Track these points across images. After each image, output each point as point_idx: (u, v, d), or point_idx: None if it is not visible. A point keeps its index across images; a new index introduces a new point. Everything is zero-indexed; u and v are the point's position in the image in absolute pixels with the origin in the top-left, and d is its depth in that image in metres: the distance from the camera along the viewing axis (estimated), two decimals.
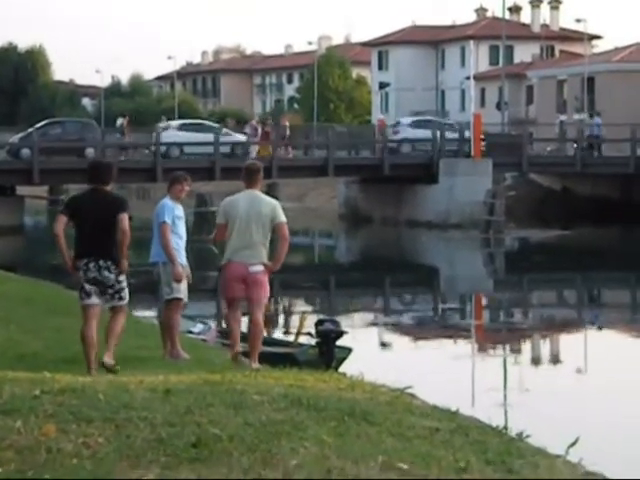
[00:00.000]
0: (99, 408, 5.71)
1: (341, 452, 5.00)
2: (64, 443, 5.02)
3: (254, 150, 41.91)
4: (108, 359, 8.66)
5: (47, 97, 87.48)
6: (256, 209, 9.47)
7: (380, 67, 77.77)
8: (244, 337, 10.03)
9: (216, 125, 45.17)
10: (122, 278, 8.66)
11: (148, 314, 15.95)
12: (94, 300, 8.59)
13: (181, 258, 9.90)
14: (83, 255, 8.52)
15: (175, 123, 45.43)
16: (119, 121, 47.63)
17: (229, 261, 9.48)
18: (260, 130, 43.11)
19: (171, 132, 41.63)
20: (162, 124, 46.00)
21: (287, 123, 45.88)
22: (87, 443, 5.03)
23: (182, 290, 9.92)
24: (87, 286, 8.56)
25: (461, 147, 40.93)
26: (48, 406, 5.75)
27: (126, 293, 8.74)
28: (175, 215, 9.91)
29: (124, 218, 8.43)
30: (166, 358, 9.88)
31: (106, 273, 8.54)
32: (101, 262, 8.52)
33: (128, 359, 9.33)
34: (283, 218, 9.47)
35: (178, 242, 9.91)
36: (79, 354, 8.94)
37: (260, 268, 9.47)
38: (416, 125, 43.38)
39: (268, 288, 9.66)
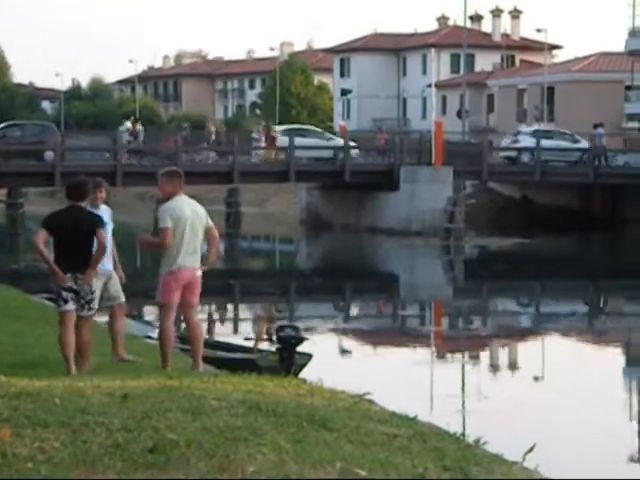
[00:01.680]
0: (55, 412, 5.65)
1: (299, 458, 4.99)
2: (19, 447, 4.97)
3: (259, 155, 42.82)
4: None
5: (6, 100, 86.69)
6: (197, 214, 9.58)
7: (342, 74, 77.97)
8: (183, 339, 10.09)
9: (319, 130, 46.27)
10: (95, 289, 9.29)
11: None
12: (71, 306, 9.14)
13: (105, 265, 9.92)
14: (62, 268, 9.09)
15: (279, 128, 46.12)
16: (127, 124, 46.77)
17: (179, 268, 9.45)
18: (266, 135, 43.70)
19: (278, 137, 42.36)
20: (123, 127, 45.83)
21: (213, 128, 46.27)
22: (43, 448, 4.98)
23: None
24: (64, 293, 9.11)
25: (421, 154, 41.14)
26: (3, 410, 5.69)
27: (95, 304, 9.34)
28: None
29: (100, 233, 9.10)
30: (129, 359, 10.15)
31: (79, 283, 9.12)
32: (78, 274, 9.09)
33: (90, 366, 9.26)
34: (211, 222, 9.74)
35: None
36: (36, 358, 8.87)
37: (200, 271, 9.59)
38: (537, 135, 43.10)
39: None
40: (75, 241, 9.05)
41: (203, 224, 9.57)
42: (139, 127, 45.73)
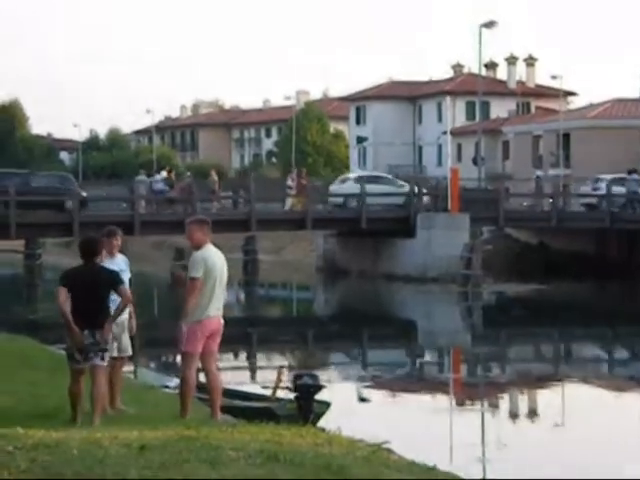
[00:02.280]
0: (72, 464, 5.63)
1: None
2: None
3: (289, 202, 43.13)
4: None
5: (24, 151, 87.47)
6: (224, 264, 9.68)
7: (358, 122, 78.34)
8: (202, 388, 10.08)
9: (390, 177, 46.84)
10: (108, 339, 9.37)
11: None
12: (83, 365, 9.31)
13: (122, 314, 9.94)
14: (79, 324, 9.20)
15: (352, 176, 46.67)
16: (162, 173, 47.08)
17: (208, 317, 9.45)
18: (296, 182, 43.85)
19: (350, 184, 42.69)
20: (159, 176, 46.03)
21: (216, 178, 46.03)
22: None
23: (110, 347, 9.89)
24: (77, 355, 9.26)
25: (437, 201, 41.18)
26: (21, 462, 5.67)
27: (107, 355, 9.37)
28: None
29: (121, 289, 9.32)
30: (107, 412, 9.91)
31: (97, 337, 9.28)
32: (96, 331, 9.23)
33: (105, 416, 9.26)
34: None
35: (114, 298, 9.96)
36: (53, 409, 8.86)
37: (223, 320, 9.67)
38: (616, 182, 42.99)
39: None
40: (92, 298, 9.17)
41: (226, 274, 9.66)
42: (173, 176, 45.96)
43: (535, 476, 11.47)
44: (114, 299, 9.73)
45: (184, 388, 9.59)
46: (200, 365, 9.69)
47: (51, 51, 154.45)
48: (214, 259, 9.52)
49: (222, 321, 9.61)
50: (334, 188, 44.28)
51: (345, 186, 43.25)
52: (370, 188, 41.15)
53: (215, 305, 9.49)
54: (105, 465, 5.61)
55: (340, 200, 42.40)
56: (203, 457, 5.95)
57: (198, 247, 9.55)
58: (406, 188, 42.65)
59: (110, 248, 10.11)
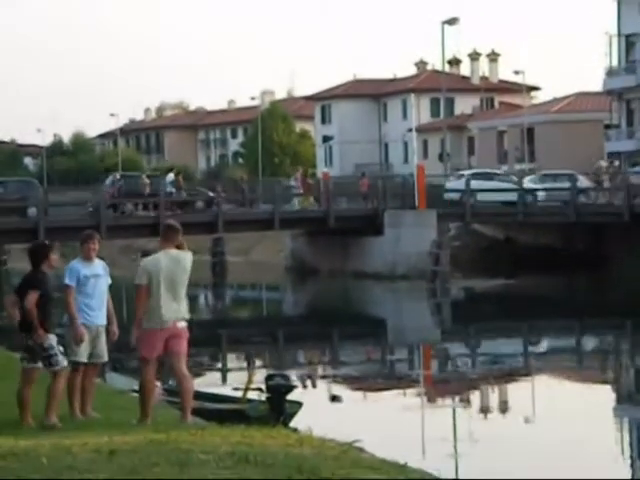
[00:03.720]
0: (41, 471, 5.60)
1: None
2: None
3: (297, 201, 43.50)
4: (48, 420, 9.37)
5: None
6: (178, 264, 9.54)
7: (323, 121, 78.41)
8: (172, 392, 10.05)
9: (504, 173, 46.88)
10: (47, 346, 9.38)
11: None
12: (30, 364, 9.47)
13: (96, 318, 9.89)
14: (21, 328, 9.55)
15: (467, 172, 46.30)
16: (170, 175, 46.81)
17: (161, 321, 9.43)
18: (300, 181, 44.36)
19: (464, 181, 42.18)
20: (168, 178, 45.79)
21: (147, 181, 45.32)
22: None
23: (82, 353, 9.90)
24: (23, 353, 9.56)
25: (404, 198, 41.29)
26: None
27: (56, 360, 9.40)
28: (83, 275, 9.91)
29: (26, 295, 9.40)
30: (77, 417, 9.86)
31: (31, 342, 9.44)
32: (27, 334, 9.48)
33: (75, 422, 9.21)
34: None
35: (88, 302, 9.92)
36: (19, 417, 8.79)
37: (184, 323, 9.56)
38: (477, 177, 43.07)
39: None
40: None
41: (187, 277, 9.56)
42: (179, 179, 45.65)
43: (506, 474, 11.52)
44: (85, 301, 9.71)
45: (142, 392, 9.60)
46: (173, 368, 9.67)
47: (13, 56, 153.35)
48: (160, 264, 9.48)
49: (183, 324, 9.54)
50: (451, 185, 43.80)
51: (461, 182, 42.55)
52: (484, 184, 41.27)
53: (168, 308, 9.43)
54: (74, 470, 5.58)
55: (456, 196, 41.95)
56: (173, 460, 5.93)
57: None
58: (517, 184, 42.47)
59: (87, 252, 10.01)
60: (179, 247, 9.63)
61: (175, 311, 9.50)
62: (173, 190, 43.45)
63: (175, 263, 9.54)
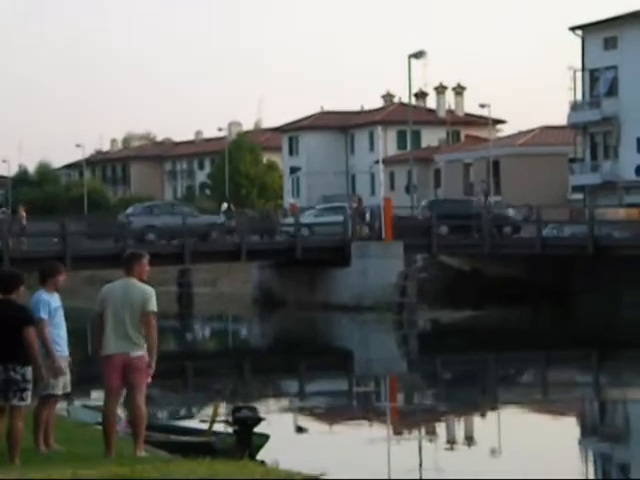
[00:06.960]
0: None
1: None
2: None
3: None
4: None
5: None
6: (128, 297, 9.48)
7: (291, 152, 78.62)
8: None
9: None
10: (28, 378, 9.09)
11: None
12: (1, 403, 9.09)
13: (63, 349, 9.86)
14: None
15: (320, 206, 47.02)
16: (224, 205, 47.28)
17: (109, 353, 9.41)
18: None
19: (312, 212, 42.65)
20: (222, 208, 46.80)
21: (24, 214, 45.02)
22: None
23: (59, 385, 9.85)
24: None
25: (372, 230, 41.41)
26: None
27: (27, 394, 9.12)
28: (52, 307, 9.90)
29: (28, 331, 9.07)
30: (42, 451, 9.72)
31: (12, 374, 9.06)
32: (9, 365, 9.07)
33: (39, 455, 9.10)
34: (150, 307, 9.45)
35: (59, 333, 9.90)
36: None
37: (141, 353, 9.44)
38: (326, 212, 43.73)
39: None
40: (1, 334, 9.09)
41: (136, 308, 9.42)
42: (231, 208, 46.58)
43: None
44: (57, 333, 9.65)
45: (104, 425, 9.55)
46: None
47: None
48: (108, 294, 9.52)
49: (138, 353, 9.40)
50: (304, 219, 44.09)
51: (310, 214, 43.34)
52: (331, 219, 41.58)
53: (116, 340, 9.41)
54: None
55: (290, 229, 42.46)
56: None
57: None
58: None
59: (57, 284, 10.01)
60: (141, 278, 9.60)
61: (122, 340, 9.42)
62: (225, 220, 44.09)
63: (124, 293, 9.52)
